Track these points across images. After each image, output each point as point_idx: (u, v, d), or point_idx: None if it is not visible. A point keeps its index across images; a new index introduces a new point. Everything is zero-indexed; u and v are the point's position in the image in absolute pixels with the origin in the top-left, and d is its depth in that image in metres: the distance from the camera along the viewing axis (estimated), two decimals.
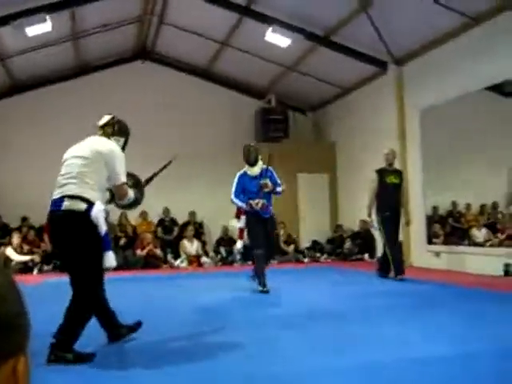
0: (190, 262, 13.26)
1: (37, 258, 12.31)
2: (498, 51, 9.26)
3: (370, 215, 9.47)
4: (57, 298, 7.65)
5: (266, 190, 7.85)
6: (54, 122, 14.45)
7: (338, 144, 15.57)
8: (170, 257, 13.45)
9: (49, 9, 10.35)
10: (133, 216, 14.61)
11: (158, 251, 13.26)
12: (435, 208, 11.56)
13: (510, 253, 9.35)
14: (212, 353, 4.27)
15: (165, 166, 5.65)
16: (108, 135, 4.63)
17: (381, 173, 9.40)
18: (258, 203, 7.79)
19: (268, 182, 7.88)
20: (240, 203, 8.03)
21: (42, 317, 5.83)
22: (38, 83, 14.43)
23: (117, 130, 4.76)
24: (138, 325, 4.81)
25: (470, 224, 11.07)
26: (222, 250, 14.18)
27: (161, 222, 14.75)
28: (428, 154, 11.28)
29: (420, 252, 11.64)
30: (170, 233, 14.49)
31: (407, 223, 9.67)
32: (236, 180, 8.11)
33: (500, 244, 9.99)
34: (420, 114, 11.44)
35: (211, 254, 14.13)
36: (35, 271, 11.97)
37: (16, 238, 12.31)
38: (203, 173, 14.99)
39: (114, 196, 4.61)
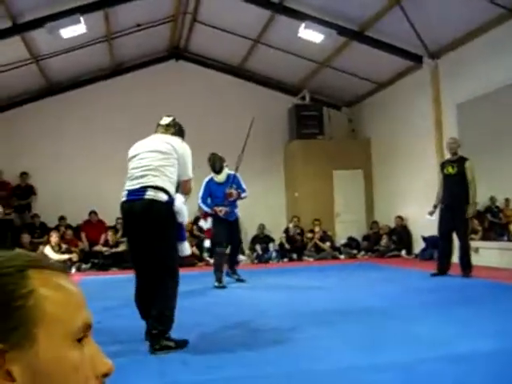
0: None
1: (75, 256, 12.46)
2: None
3: (434, 206, 9.19)
4: (97, 296, 7.76)
5: (231, 198, 8.53)
6: (90, 122, 14.63)
7: (373, 140, 15.44)
8: (206, 255, 13.48)
9: (83, 10, 10.44)
10: None
11: (194, 249, 13.30)
12: (474, 203, 11.37)
13: None
14: (249, 348, 4.26)
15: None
16: (172, 134, 4.86)
17: (442, 164, 9.32)
18: (221, 211, 8.46)
19: (233, 191, 8.53)
20: (206, 208, 8.75)
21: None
22: (73, 84, 14.61)
23: (178, 130, 4.98)
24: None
25: (509, 219, 10.87)
26: (258, 247, 14.18)
27: (195, 220, 14.78)
28: (465, 149, 11.08)
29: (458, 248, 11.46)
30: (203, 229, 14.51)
31: (468, 215, 8.82)
32: (203, 185, 8.82)
33: None
34: (457, 108, 11.26)
35: (247, 251, 14.13)
36: (73, 270, 12.11)
37: (54, 237, 12.45)
38: (238, 171, 14.95)
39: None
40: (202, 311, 6.24)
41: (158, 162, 4.52)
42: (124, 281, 10.29)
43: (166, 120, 5.03)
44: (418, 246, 13.00)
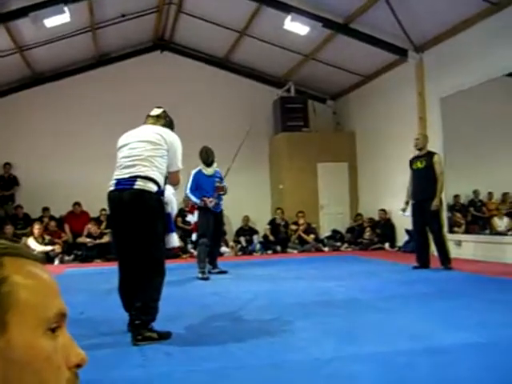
0: None
1: (58, 248, 12.41)
2: None
3: (406, 203, 9.27)
4: (80, 288, 7.75)
5: (221, 192, 8.88)
6: (74, 112, 14.54)
7: (357, 133, 15.49)
8: (190, 247, 13.47)
9: (67, 0, 10.37)
10: None
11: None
12: (456, 196, 11.45)
13: None
14: (233, 339, 4.28)
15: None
16: (162, 126, 4.84)
17: (411, 160, 9.36)
18: (211, 201, 8.66)
19: (225, 185, 8.93)
20: (194, 199, 8.88)
21: (68, 305, 5.88)
22: (57, 74, 14.50)
23: (168, 122, 4.97)
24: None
25: (492, 213, 10.96)
26: (242, 239, 14.20)
27: (180, 212, 14.76)
28: (449, 143, 11.16)
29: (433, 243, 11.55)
30: (190, 223, 14.50)
31: (432, 207, 8.66)
32: (192, 177, 8.98)
33: None
34: (441, 101, 11.31)
35: (231, 243, 14.14)
36: (56, 261, 12.06)
37: (37, 229, 12.40)
38: (221, 163, 14.95)
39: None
40: (186, 302, 6.25)
41: (148, 152, 4.50)
42: (108, 272, 10.26)
43: (156, 111, 5.00)
44: (402, 238, 13.07)
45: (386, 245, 13.58)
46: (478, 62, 10.15)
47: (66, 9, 10.38)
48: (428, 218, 8.77)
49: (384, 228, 13.82)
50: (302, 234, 14.03)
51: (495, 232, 10.57)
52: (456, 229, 11.34)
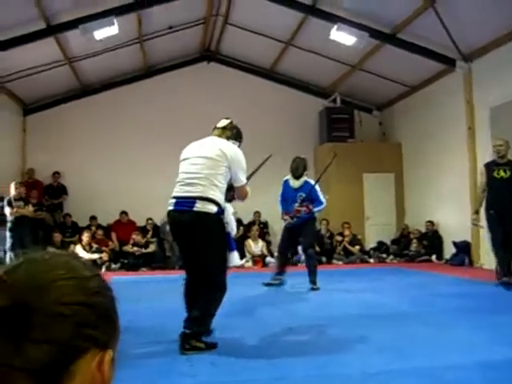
0: (255, 262, 13.29)
1: (105, 256, 12.58)
2: None
3: (476, 212, 8.63)
4: (127, 296, 7.77)
5: (298, 214, 8.39)
6: (121, 123, 14.74)
7: (404, 143, 15.33)
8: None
9: (116, 12, 10.56)
10: None
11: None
12: None
13: None
14: (280, 351, 4.26)
15: (262, 163, 5.97)
16: (227, 138, 4.81)
17: (488, 166, 8.46)
18: (286, 219, 8.54)
19: (301, 208, 8.36)
20: (280, 210, 8.86)
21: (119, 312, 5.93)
22: (105, 85, 14.75)
23: (235, 133, 4.96)
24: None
25: None
26: None
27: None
28: None
29: (490, 253, 11.30)
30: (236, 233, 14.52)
31: None
32: (282, 184, 8.90)
33: None
34: (490, 111, 11.13)
35: (276, 254, 14.09)
36: (103, 269, 12.22)
37: (85, 237, 12.61)
38: (268, 173, 14.96)
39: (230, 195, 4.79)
40: (237, 310, 6.24)
41: (208, 170, 4.47)
42: (153, 281, 10.38)
43: (223, 122, 4.98)
44: (449, 251, 12.86)
45: (433, 257, 13.37)
46: None
47: (115, 21, 10.56)
48: (510, 229, 8.10)
49: (431, 240, 13.61)
50: (348, 246, 13.92)
51: None
52: None
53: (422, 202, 14.30)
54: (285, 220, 8.54)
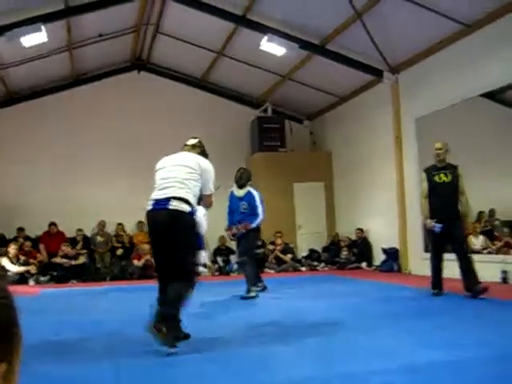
0: None
1: (33, 268, 12.25)
2: (494, 58, 9.28)
3: (426, 217, 8.02)
4: (56, 309, 7.66)
5: (233, 232, 8.72)
6: (51, 132, 14.45)
7: (334, 153, 15.57)
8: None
9: (44, 19, 10.33)
10: (130, 226, 14.61)
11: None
12: None
13: (507, 260, 9.35)
14: (210, 361, 4.25)
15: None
16: (197, 154, 5.29)
17: (428, 170, 8.18)
18: (229, 234, 9.00)
19: (235, 229, 8.66)
20: (227, 222, 9.04)
21: (43, 326, 5.82)
22: (33, 93, 14.42)
23: (202, 151, 5.44)
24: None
25: (468, 232, 11.03)
26: (219, 259, 14.14)
27: None
28: (425, 162, 11.24)
29: (418, 260, 11.62)
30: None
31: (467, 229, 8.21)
32: (229, 196, 9.04)
33: (497, 251, 9.96)
34: (416, 121, 11.45)
35: (208, 263, 14.06)
36: (31, 282, 11.91)
37: (12, 249, 12.24)
38: None
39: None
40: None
41: (184, 175, 4.93)
42: (83, 293, 10.19)
43: (192, 141, 5.49)
44: (379, 257, 13.12)
45: (363, 264, 13.61)
46: (452, 83, 10.30)
47: (43, 27, 10.34)
48: (455, 240, 7.79)
49: (361, 247, 13.86)
50: (280, 254, 14.01)
51: (471, 250, 10.62)
52: None
53: (351, 209, 14.56)
54: (229, 235, 8.96)
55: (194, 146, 5.40)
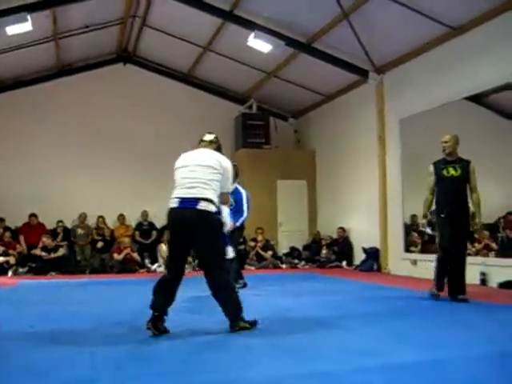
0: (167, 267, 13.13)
1: (12, 259, 12.16)
2: (480, 61, 9.34)
3: (424, 216, 7.66)
4: (33, 300, 7.60)
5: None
6: (34, 123, 14.34)
7: (318, 151, 15.60)
8: (147, 261, 13.37)
9: (30, 8, 10.23)
10: (111, 220, 14.55)
11: (136, 255, 13.17)
12: (414, 216, 11.58)
13: (486, 262, 9.42)
14: (186, 355, 4.24)
15: None
16: (214, 150, 5.45)
17: (436, 164, 7.63)
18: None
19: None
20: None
21: (20, 317, 5.78)
22: (17, 83, 14.27)
23: (218, 147, 5.60)
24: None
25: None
26: None
27: (139, 226, 14.66)
28: (408, 163, 11.33)
29: (397, 260, 11.69)
30: (148, 237, 14.40)
31: (474, 228, 7.67)
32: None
33: (477, 253, 10.03)
34: (400, 122, 11.49)
35: (189, 258, 14.02)
36: (10, 273, 11.83)
37: None
38: None
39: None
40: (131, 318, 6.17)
41: (208, 175, 5.12)
42: (62, 286, 10.14)
43: (209, 137, 5.61)
44: (359, 257, 13.16)
45: (344, 263, 13.65)
46: (437, 85, 10.35)
47: (28, 17, 10.24)
48: (460, 235, 7.35)
49: (341, 246, 13.90)
50: (260, 251, 14.02)
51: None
52: (413, 248, 11.48)
53: (333, 208, 14.60)
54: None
55: (211, 142, 5.54)
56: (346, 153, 13.78)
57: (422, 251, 11.22)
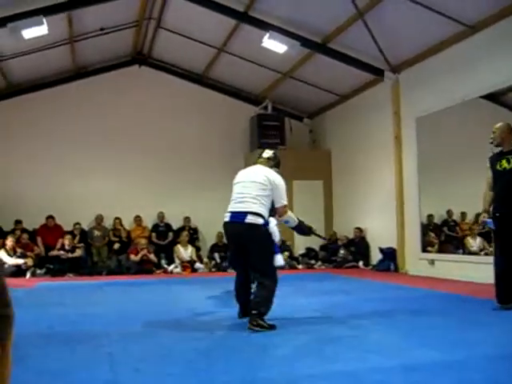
0: (184, 268, 13.20)
1: (30, 261, 12.24)
2: (495, 60, 9.27)
3: (485, 211, 6.63)
4: (51, 302, 7.65)
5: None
6: (50, 125, 14.45)
7: (333, 151, 15.56)
8: (163, 262, 13.41)
9: (46, 11, 10.29)
10: (127, 221, 14.60)
11: (152, 256, 13.21)
12: (430, 216, 11.53)
13: None
14: (203, 356, 4.24)
15: (319, 236, 7.39)
16: (270, 166, 5.97)
17: (491, 159, 6.74)
18: None
19: None
20: None
21: (38, 319, 5.82)
22: (33, 86, 14.37)
23: (277, 163, 6.16)
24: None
25: (465, 233, 11.04)
26: (216, 255, 14.12)
27: (155, 227, 14.71)
28: (424, 163, 11.27)
29: (414, 260, 11.62)
30: (165, 238, 14.44)
31: None
32: None
33: None
34: (416, 121, 11.43)
35: (205, 259, 14.07)
36: (28, 275, 11.90)
37: (9, 241, 12.24)
38: (198, 178, 14.97)
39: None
40: (150, 319, 6.19)
41: (257, 191, 5.60)
42: (79, 287, 10.19)
43: (267, 153, 6.16)
44: (376, 257, 13.11)
45: (360, 263, 13.60)
46: (453, 84, 10.29)
47: (44, 20, 10.30)
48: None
49: (358, 246, 13.86)
50: None
51: (468, 252, 10.63)
52: (429, 248, 11.42)
53: (350, 208, 14.55)
54: None
55: (268, 159, 6.05)
56: (361, 152, 13.73)
57: (440, 251, 11.17)
